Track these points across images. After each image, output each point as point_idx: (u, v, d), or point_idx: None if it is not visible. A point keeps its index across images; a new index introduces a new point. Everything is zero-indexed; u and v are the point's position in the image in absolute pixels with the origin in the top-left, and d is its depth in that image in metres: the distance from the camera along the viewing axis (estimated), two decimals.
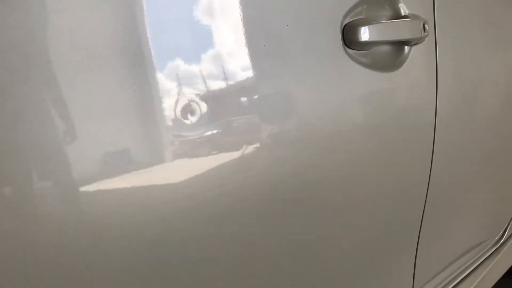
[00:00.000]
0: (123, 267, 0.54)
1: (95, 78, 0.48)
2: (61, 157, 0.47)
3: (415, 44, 0.79)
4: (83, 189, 0.49)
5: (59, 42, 0.45)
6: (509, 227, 1.46)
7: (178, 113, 0.54)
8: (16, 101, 0.43)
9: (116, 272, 0.54)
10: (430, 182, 0.94)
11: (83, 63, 0.47)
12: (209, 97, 0.56)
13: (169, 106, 0.53)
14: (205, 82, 0.56)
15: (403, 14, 0.78)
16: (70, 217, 0.49)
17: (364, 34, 0.69)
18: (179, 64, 0.53)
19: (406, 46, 0.79)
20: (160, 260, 0.57)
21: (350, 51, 0.70)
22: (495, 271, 1.42)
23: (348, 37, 0.69)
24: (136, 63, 0.50)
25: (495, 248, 1.44)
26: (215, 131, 0.57)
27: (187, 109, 0.54)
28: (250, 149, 0.61)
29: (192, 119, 0.55)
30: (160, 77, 0.52)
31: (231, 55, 0.58)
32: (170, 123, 0.53)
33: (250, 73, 0.59)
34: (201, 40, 0.55)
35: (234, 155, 0.60)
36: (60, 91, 0.46)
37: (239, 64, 0.58)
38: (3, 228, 0.45)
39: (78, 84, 0.47)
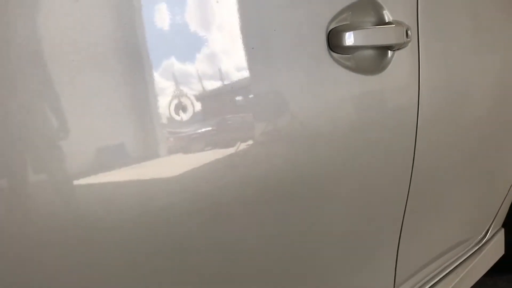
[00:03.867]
0: (117, 261, 0.56)
1: (92, 77, 0.50)
2: (56, 152, 0.49)
3: (398, 49, 0.83)
4: (77, 183, 0.51)
5: (58, 41, 0.48)
6: (492, 226, 1.50)
7: (171, 110, 0.56)
8: (14, 98, 0.46)
9: (110, 266, 0.56)
10: (411, 181, 0.97)
11: (81, 62, 0.49)
12: (199, 96, 0.59)
13: (162, 104, 0.56)
14: (196, 82, 0.58)
15: (387, 21, 0.81)
16: (64, 211, 0.51)
17: (349, 39, 0.72)
18: (172, 64, 0.56)
19: (389, 51, 0.82)
20: (153, 254, 0.59)
21: (334, 55, 0.73)
22: (477, 269, 1.45)
23: (333, 41, 0.72)
24: (132, 63, 0.53)
25: (478, 246, 1.47)
26: (204, 129, 0.60)
27: (179, 107, 0.57)
28: (238, 147, 0.64)
29: (183, 117, 0.57)
30: (154, 76, 0.55)
31: (222, 57, 0.60)
32: (163, 120, 0.56)
33: (239, 75, 0.62)
34: (193, 42, 0.58)
35: (224, 152, 0.63)
36: (57, 89, 0.49)
37: (229, 66, 0.61)
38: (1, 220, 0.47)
39: (76, 83, 0.49)
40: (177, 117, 0.57)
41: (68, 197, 0.51)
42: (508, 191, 1.49)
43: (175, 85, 0.57)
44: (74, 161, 0.50)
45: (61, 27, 0.48)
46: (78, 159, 0.51)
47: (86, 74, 0.50)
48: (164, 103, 0.56)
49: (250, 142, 0.65)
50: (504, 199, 1.49)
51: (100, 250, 0.54)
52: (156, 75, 0.55)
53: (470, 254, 1.42)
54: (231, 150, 0.64)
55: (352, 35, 0.73)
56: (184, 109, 0.57)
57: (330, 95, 0.74)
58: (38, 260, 0.50)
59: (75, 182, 0.51)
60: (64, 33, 0.48)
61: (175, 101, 0.57)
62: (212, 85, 0.60)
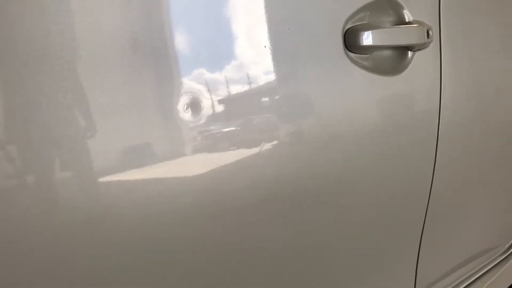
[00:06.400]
0: (133, 258, 0.57)
1: (114, 76, 0.51)
2: (81, 151, 0.50)
3: (418, 49, 0.81)
4: (100, 180, 0.52)
5: (83, 41, 0.49)
6: None
7: (181, 109, 0.56)
8: (39, 98, 0.47)
9: (126, 262, 0.56)
10: (432, 187, 0.94)
11: (104, 61, 0.50)
12: (210, 95, 0.59)
13: (171, 103, 0.56)
14: (207, 81, 0.58)
15: (407, 20, 0.79)
16: (87, 208, 0.51)
17: (367, 39, 0.71)
18: (183, 62, 0.56)
19: (409, 52, 0.80)
20: (172, 252, 0.60)
21: (351, 54, 0.71)
22: (504, 279, 1.41)
23: (350, 41, 0.71)
24: (152, 63, 0.53)
25: (505, 255, 1.43)
26: (217, 130, 0.60)
27: (189, 106, 0.57)
28: (252, 147, 0.64)
29: (193, 116, 0.57)
30: (162, 75, 0.55)
31: (233, 55, 0.60)
32: (177, 119, 0.56)
33: (251, 74, 0.62)
34: (205, 40, 0.58)
35: (240, 153, 0.63)
36: (82, 88, 0.49)
37: (241, 64, 0.61)
38: (25, 217, 0.48)
39: (98, 82, 0.50)
40: (187, 116, 0.57)
41: (90, 195, 0.52)
42: None
43: (186, 84, 0.56)
44: (95, 160, 0.51)
45: (70, 24, 0.48)
46: (99, 158, 0.51)
47: (97, 73, 0.50)
48: (174, 102, 0.56)
49: (264, 143, 0.65)
50: None
51: (121, 247, 0.55)
52: (164, 74, 0.55)
53: (496, 263, 1.38)
54: (246, 151, 0.63)
55: (370, 35, 0.71)
56: (194, 108, 0.57)
57: (346, 95, 0.72)
58: (61, 255, 0.51)
59: (95, 180, 0.52)
60: (91, 31, 0.49)
61: (187, 101, 0.56)
62: (223, 83, 0.60)
